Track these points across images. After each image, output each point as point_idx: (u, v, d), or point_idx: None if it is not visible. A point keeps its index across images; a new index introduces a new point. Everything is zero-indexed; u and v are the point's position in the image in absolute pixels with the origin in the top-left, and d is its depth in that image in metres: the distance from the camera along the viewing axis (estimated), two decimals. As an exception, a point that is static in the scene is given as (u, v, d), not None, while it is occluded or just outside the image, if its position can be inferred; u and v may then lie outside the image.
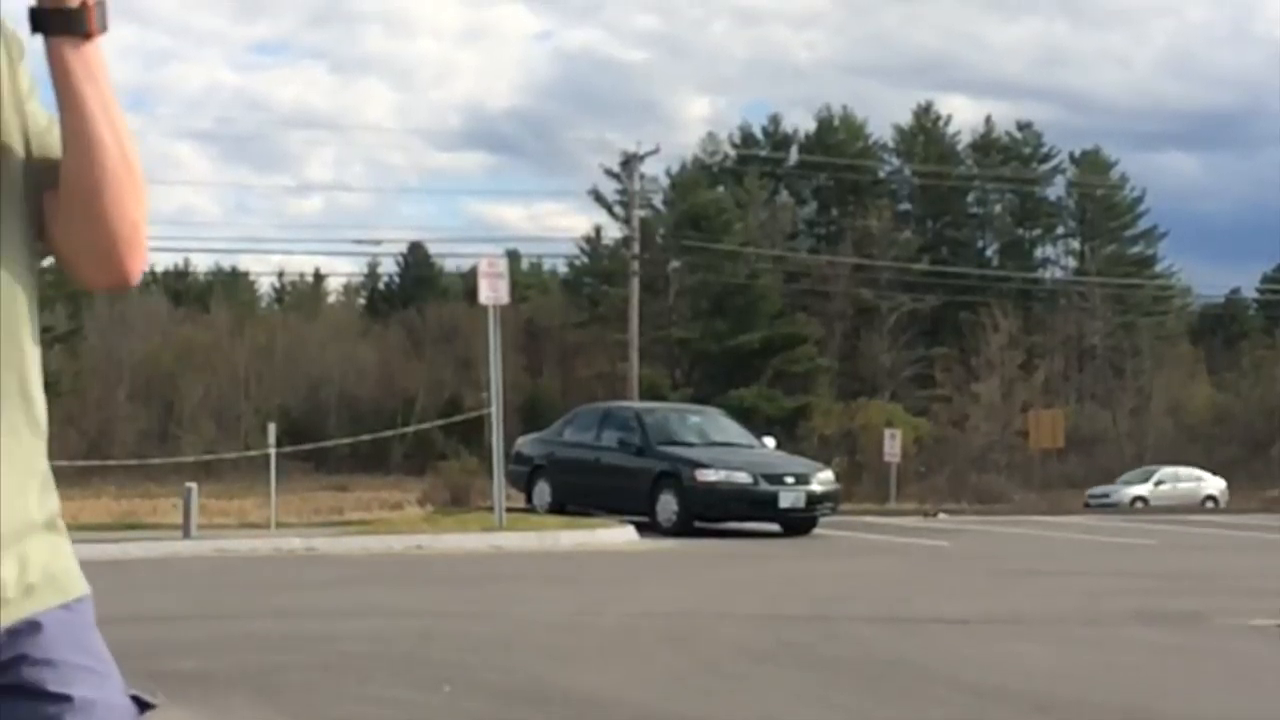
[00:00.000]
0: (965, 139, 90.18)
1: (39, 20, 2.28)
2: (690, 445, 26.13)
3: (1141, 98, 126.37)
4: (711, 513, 24.61)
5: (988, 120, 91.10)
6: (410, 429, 56.71)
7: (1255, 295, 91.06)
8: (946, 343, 76.69)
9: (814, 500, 25.02)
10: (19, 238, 2.36)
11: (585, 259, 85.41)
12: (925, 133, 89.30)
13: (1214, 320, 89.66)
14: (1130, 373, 74.85)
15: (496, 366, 23.78)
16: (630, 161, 62.00)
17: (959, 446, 64.91)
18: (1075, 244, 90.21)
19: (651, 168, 78.70)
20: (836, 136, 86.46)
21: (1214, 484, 55.81)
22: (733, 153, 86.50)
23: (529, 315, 78.73)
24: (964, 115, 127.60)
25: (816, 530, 25.18)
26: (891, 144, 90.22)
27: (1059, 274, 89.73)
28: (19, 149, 2.34)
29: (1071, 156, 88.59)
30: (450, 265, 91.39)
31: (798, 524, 24.95)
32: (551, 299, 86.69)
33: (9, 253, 2.34)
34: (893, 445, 47.68)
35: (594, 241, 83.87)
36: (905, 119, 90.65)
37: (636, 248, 59.90)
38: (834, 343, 77.92)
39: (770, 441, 28.87)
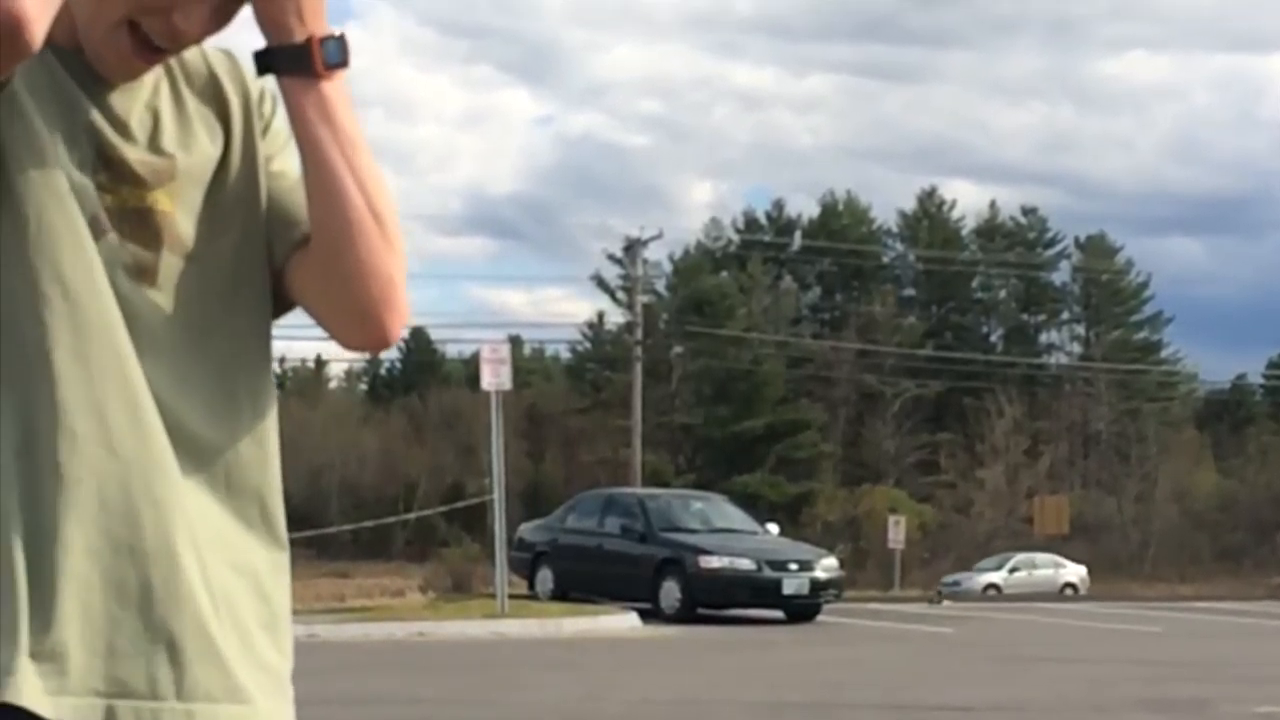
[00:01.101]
0: (970, 224, 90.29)
1: (264, 60, 2.13)
2: (693, 532, 26.03)
3: (1146, 182, 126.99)
4: (715, 599, 24.49)
5: (992, 205, 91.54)
6: (412, 515, 56.56)
7: (1261, 381, 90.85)
8: (951, 428, 76.52)
9: (818, 587, 24.89)
10: (263, 324, 2.25)
11: (588, 344, 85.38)
12: (929, 218, 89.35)
13: (1220, 406, 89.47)
14: (1135, 459, 74.55)
15: (499, 452, 23.71)
16: (633, 246, 62.02)
17: (963, 533, 64.71)
18: (1080, 329, 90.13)
19: (654, 253, 79.12)
20: (840, 221, 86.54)
21: (1074, 571, 54.56)
22: (736, 238, 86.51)
23: (531, 401, 78.59)
24: (968, 200, 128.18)
25: (820, 617, 25.01)
26: (895, 229, 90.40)
27: (1064, 359, 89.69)
28: (253, 216, 2.22)
29: (1077, 241, 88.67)
30: (452, 351, 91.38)
31: (801, 611, 24.80)
32: (554, 385, 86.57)
33: (255, 345, 2.24)
34: (897, 532, 47.49)
35: (597, 327, 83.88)
36: (909, 204, 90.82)
37: (639, 333, 59.84)
38: (838, 428, 77.77)
39: (773, 528, 28.83)
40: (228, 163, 2.21)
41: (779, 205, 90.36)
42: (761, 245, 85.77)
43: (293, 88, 2.12)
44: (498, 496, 24.06)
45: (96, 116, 2.14)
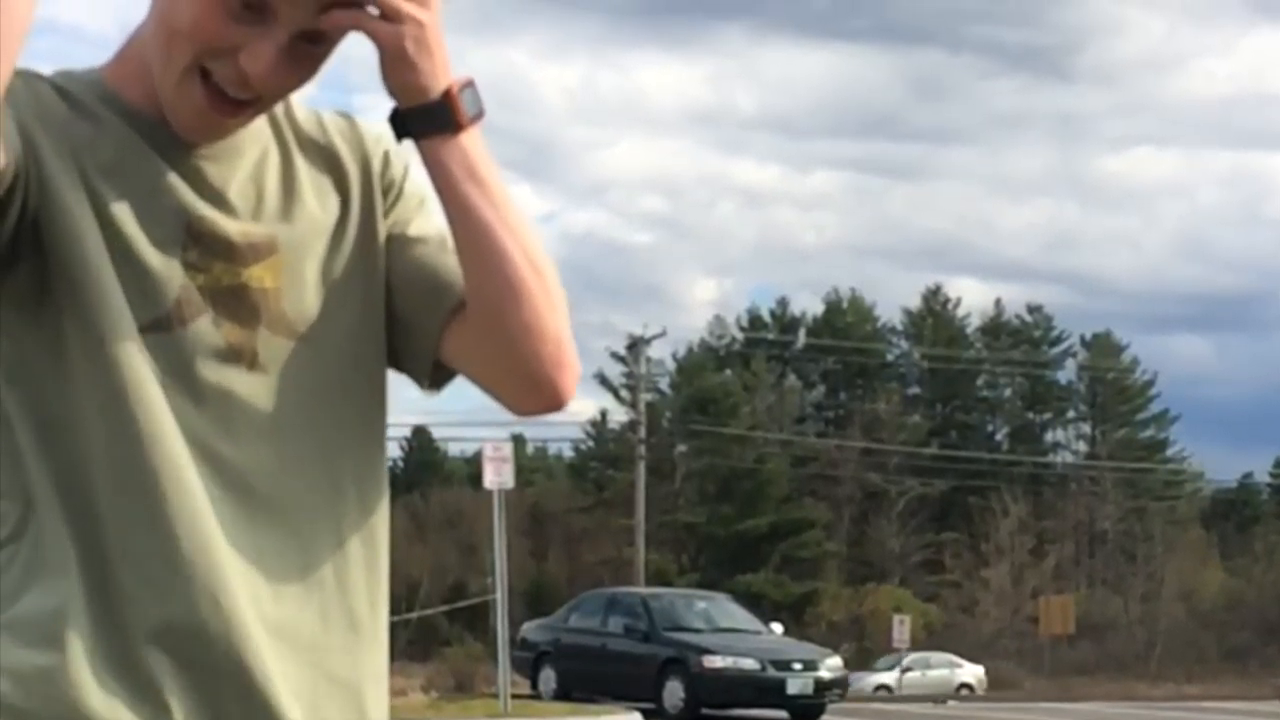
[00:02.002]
0: (975, 322, 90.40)
1: (401, 124, 1.99)
2: (697, 631, 25.92)
3: (1152, 280, 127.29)
4: (718, 699, 24.36)
5: (997, 303, 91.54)
6: (414, 615, 56.13)
7: (1268, 480, 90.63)
8: (956, 528, 76.21)
9: (822, 687, 24.74)
10: (377, 410, 2.10)
11: (591, 443, 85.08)
12: (934, 316, 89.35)
13: (1226, 505, 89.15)
14: (1142, 558, 74.15)
15: (501, 551, 23.55)
16: (636, 345, 62.04)
17: (968, 632, 64.28)
18: (1086, 428, 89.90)
19: (658, 351, 78.79)
20: (844, 319, 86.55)
21: (971, 671, 53.67)
22: (740, 336, 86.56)
23: (534, 500, 78.25)
24: (973, 298, 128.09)
25: (824, 717, 24.87)
26: (900, 327, 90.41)
27: (1070, 458, 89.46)
28: (370, 292, 2.06)
29: (1082, 339, 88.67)
30: (455, 449, 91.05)
31: (806, 711, 24.67)
32: (557, 483, 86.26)
33: (366, 432, 2.08)
34: (901, 631, 47.25)
35: (600, 425, 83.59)
36: (914, 302, 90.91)
37: (643, 432, 59.74)
38: (842, 527, 77.43)
39: (778, 627, 28.74)
40: (343, 234, 2.06)
41: (783, 303, 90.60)
42: (765, 343, 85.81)
43: (433, 148, 1.98)
44: (500, 596, 23.88)
45: (183, 188, 1.99)
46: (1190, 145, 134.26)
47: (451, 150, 1.97)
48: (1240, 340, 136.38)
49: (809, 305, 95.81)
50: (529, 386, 2.05)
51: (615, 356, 77.20)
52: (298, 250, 2.02)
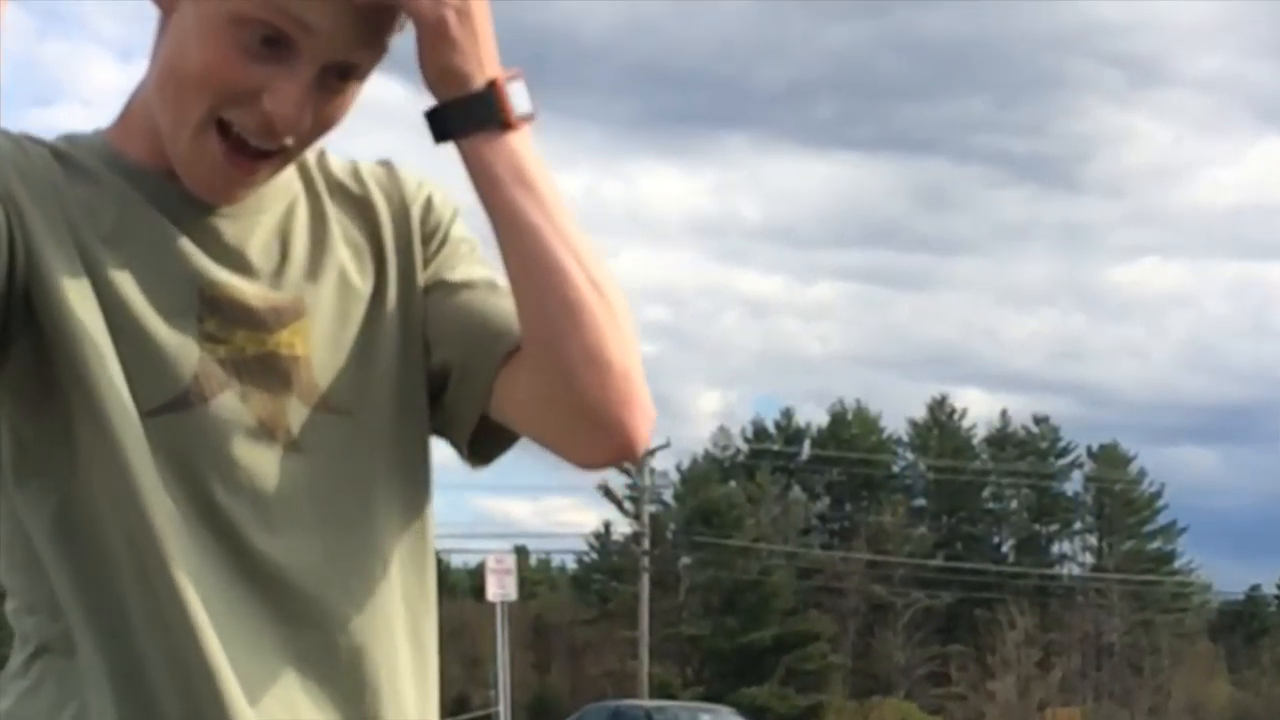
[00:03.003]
0: (981, 433, 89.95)
1: (440, 122, 1.74)
2: (702, 745, 25.85)
3: (1159, 391, 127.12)
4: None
5: (1003, 414, 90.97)
6: (416, 728, 55.76)
7: (1275, 592, 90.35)
8: (962, 640, 75.80)
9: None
10: (424, 490, 1.84)
11: (594, 555, 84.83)
12: (940, 426, 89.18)
13: (1234, 617, 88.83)
14: (1149, 670, 73.77)
15: (504, 664, 23.39)
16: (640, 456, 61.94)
17: (976, 746, 63.84)
18: (1093, 540, 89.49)
19: (662, 462, 78.49)
20: (849, 431, 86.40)
21: None
22: (744, 447, 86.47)
23: (537, 612, 78.01)
24: (979, 409, 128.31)
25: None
26: (905, 438, 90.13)
27: (1076, 570, 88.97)
28: (411, 353, 1.81)
29: (1089, 451, 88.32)
30: (457, 561, 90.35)
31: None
32: (560, 595, 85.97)
33: (412, 516, 1.83)
34: (910, 745, 46.72)
35: (603, 537, 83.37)
36: (919, 412, 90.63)
37: (647, 544, 59.62)
38: (847, 640, 76.97)
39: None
40: (380, 296, 1.83)
41: (788, 414, 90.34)
42: (770, 455, 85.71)
43: (476, 149, 1.73)
44: (503, 708, 23.80)
45: (195, 252, 1.76)
46: (1198, 255, 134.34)
47: (498, 151, 1.72)
48: (1247, 451, 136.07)
49: (814, 416, 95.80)
50: (594, 429, 1.77)
51: (619, 468, 76.90)
52: (328, 314, 1.78)
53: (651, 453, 61.14)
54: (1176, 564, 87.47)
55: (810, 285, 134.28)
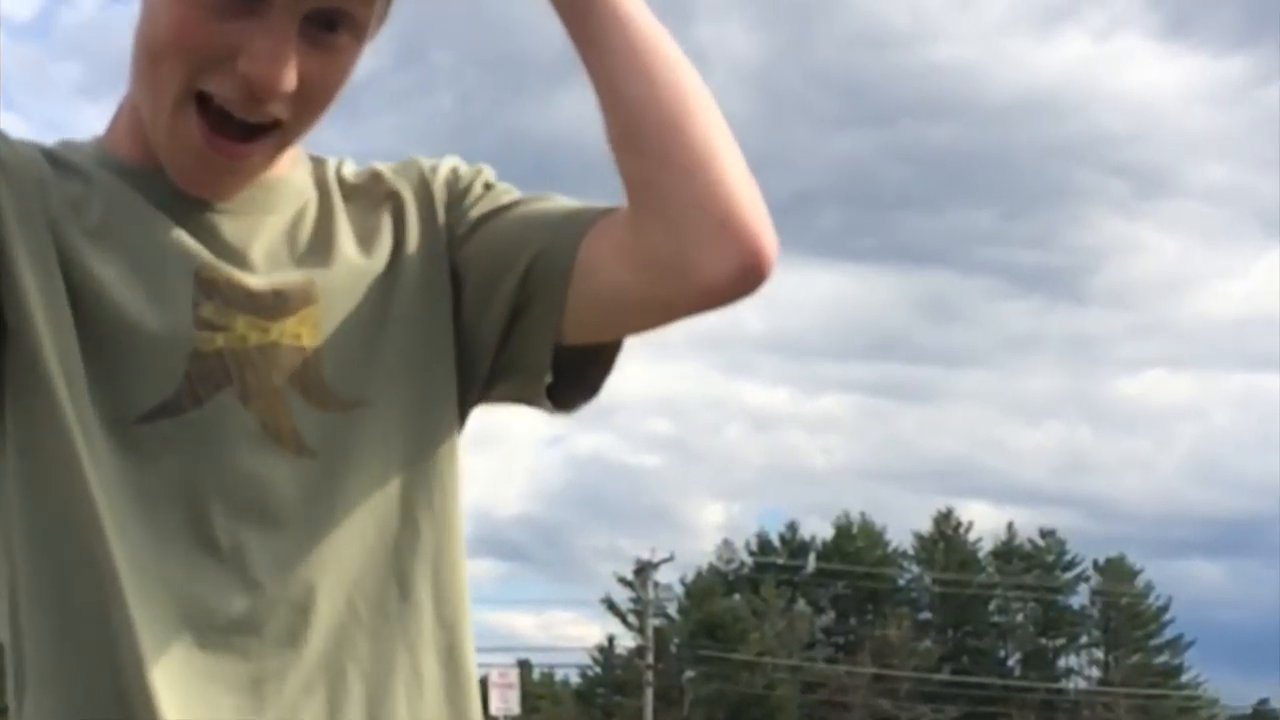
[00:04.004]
0: (987, 546, 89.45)
1: None
2: None
3: (1166, 504, 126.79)
4: None
5: (1009, 527, 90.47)
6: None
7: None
8: (969, 755, 75.31)
9: None
10: (452, 496, 1.65)
11: (598, 669, 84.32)
12: (945, 540, 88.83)
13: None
14: (1158, 785, 73.25)
15: (507, 780, 22.96)
16: (644, 569, 61.74)
17: None
18: (1099, 653, 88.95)
19: (666, 575, 78.53)
20: (855, 544, 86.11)
21: None
22: (749, 560, 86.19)
23: (541, 726, 77.56)
24: (985, 522, 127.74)
25: None
26: (911, 551, 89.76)
27: (1082, 684, 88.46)
28: (436, 337, 1.64)
29: (1095, 564, 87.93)
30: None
31: None
32: (564, 710, 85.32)
33: (439, 520, 1.63)
34: None
35: (607, 651, 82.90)
36: (925, 525, 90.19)
37: (651, 657, 59.19)
38: (854, 754, 76.49)
39: None
40: (397, 277, 1.65)
41: (792, 527, 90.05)
42: (775, 568, 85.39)
43: None
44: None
45: (189, 240, 1.59)
46: (1205, 367, 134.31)
47: None
48: (1255, 565, 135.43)
49: (818, 529, 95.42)
50: (720, 229, 1.53)
51: (623, 581, 76.67)
52: (340, 299, 1.59)
53: (655, 565, 60.89)
54: (1184, 678, 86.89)
55: (815, 397, 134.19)
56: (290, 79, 1.52)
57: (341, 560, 1.56)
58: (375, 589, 1.57)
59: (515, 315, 1.68)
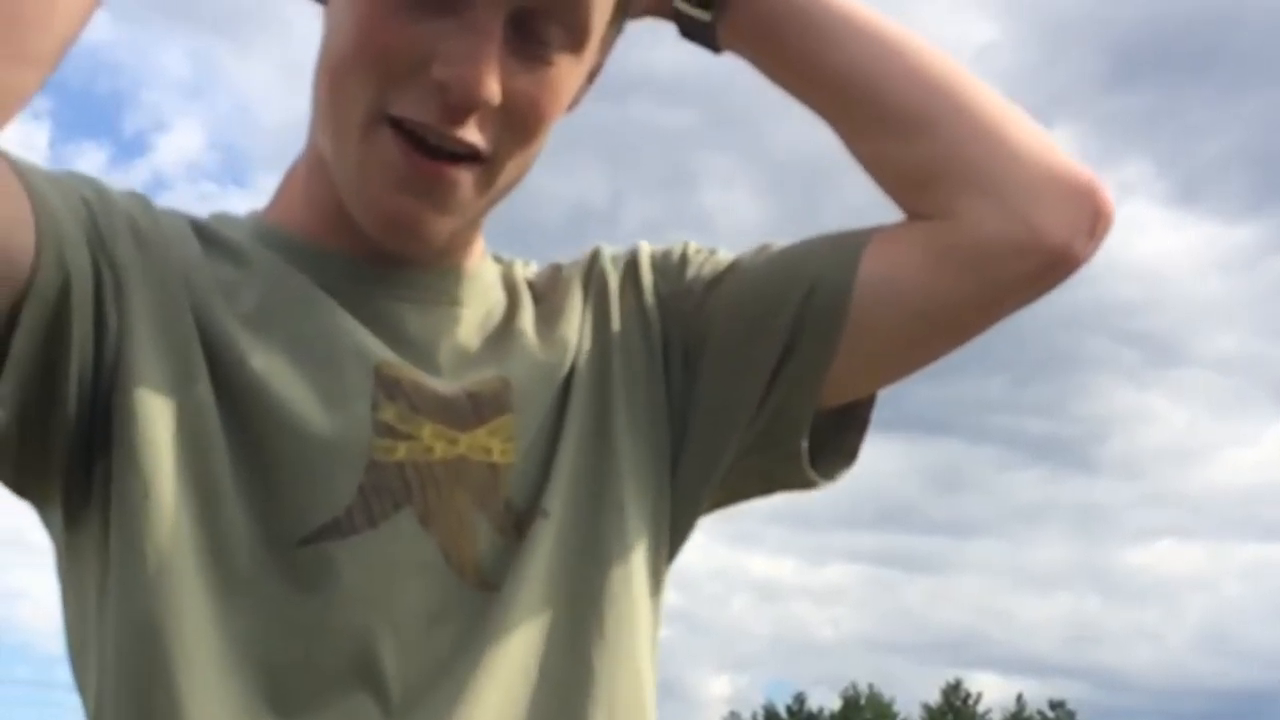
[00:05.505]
0: (996, 717, 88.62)
1: (694, 29, 1.47)
2: None
3: (1176, 675, 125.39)
4: None
5: (1019, 699, 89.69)
6: None
7: None
8: None
9: None
10: (651, 626, 1.42)
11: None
12: (954, 711, 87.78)
13: None
14: None
15: None
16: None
17: None
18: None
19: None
20: (863, 715, 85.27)
21: None
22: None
23: None
24: (994, 693, 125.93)
25: None
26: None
27: None
28: (644, 448, 1.44)
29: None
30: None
31: None
32: None
33: (638, 660, 1.38)
34: None
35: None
36: (933, 696, 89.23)
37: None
38: None
39: None
40: (606, 374, 1.45)
41: (800, 699, 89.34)
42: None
43: (737, 32, 1.48)
44: None
45: (367, 331, 1.38)
46: (1214, 537, 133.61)
47: (754, 19, 1.46)
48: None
49: (826, 701, 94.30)
50: (1048, 184, 1.40)
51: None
52: (534, 409, 1.40)
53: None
54: None
55: (822, 568, 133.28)
56: (492, 86, 1.29)
57: (515, 708, 1.28)
58: None
59: (780, 366, 1.47)
